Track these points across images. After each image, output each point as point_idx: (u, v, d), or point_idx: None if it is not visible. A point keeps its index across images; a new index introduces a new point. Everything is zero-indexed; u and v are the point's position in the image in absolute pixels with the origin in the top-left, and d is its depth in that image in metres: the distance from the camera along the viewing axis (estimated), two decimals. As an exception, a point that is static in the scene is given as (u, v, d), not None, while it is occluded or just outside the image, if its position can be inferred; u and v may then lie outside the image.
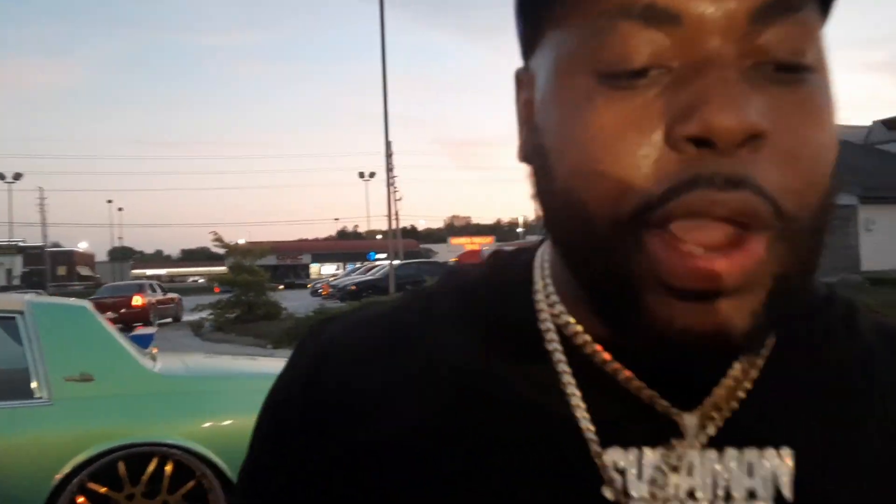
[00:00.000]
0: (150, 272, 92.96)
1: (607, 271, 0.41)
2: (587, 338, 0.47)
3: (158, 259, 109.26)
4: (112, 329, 3.60)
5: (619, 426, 0.46)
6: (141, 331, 6.77)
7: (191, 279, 79.68)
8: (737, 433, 0.45)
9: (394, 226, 23.92)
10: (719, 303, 0.39)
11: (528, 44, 0.47)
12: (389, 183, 22.21)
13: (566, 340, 0.48)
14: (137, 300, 20.69)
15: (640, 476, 0.44)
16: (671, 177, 0.38)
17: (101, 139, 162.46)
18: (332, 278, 39.89)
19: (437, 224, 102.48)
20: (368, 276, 27.33)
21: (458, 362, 0.49)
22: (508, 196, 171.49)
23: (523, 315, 0.50)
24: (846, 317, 0.51)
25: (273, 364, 4.67)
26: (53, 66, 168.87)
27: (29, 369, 3.24)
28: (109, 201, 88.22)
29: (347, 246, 73.78)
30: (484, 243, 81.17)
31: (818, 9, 0.42)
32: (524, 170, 0.48)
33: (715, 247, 0.38)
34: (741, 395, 0.46)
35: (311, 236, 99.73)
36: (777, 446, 0.45)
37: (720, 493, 0.44)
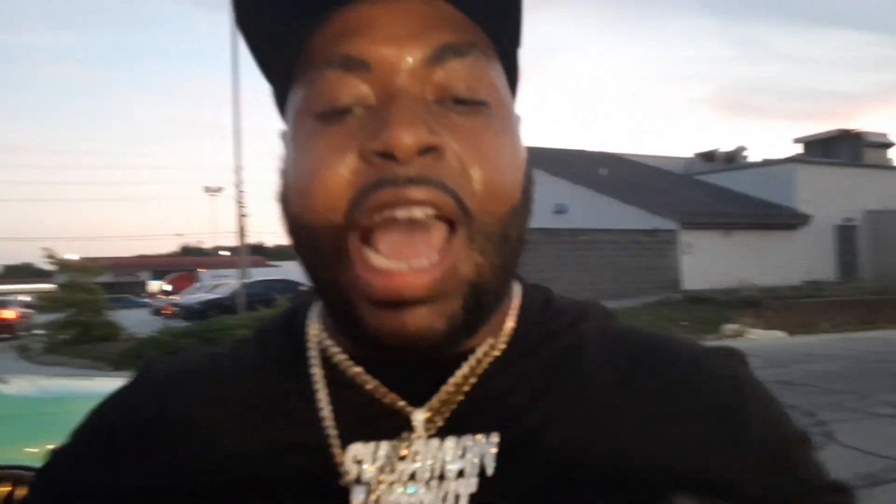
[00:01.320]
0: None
1: (330, 287, 0.52)
2: (341, 356, 0.56)
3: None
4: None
5: (362, 425, 0.54)
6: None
7: (14, 297, 72.36)
8: (460, 423, 0.53)
9: (242, 242, 23.28)
10: (417, 310, 0.48)
11: (281, 106, 0.58)
12: (238, 198, 21.67)
13: (327, 361, 0.57)
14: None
15: (373, 464, 0.53)
16: (364, 183, 0.49)
17: None
18: (162, 295, 38.00)
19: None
20: (215, 295, 26.37)
21: (248, 397, 0.57)
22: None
23: (297, 347, 0.59)
24: (573, 322, 0.59)
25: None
26: None
27: None
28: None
29: (190, 262, 70.41)
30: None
31: (493, 57, 0.54)
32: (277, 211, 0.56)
33: (411, 255, 0.48)
34: (467, 389, 0.54)
35: (151, 252, 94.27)
36: (488, 432, 0.53)
37: (436, 474, 0.52)
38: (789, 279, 24.11)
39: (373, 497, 0.51)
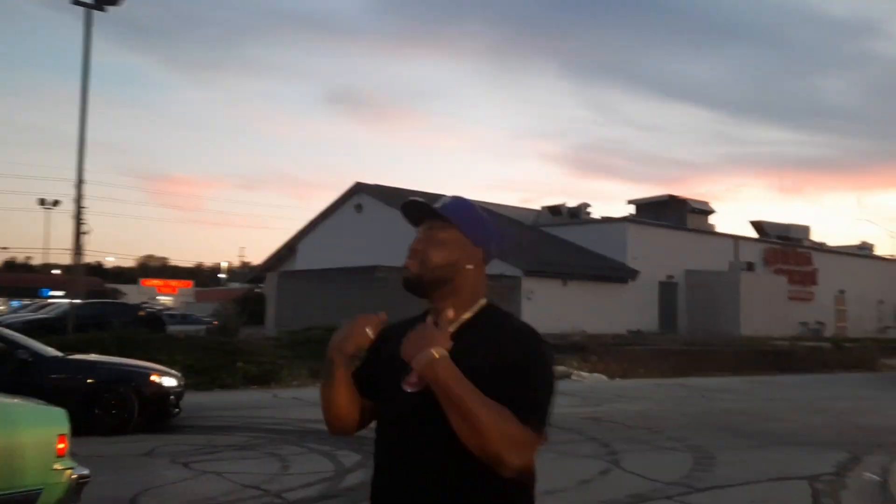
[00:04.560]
0: None
1: None
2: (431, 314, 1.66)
3: None
4: None
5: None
6: None
7: None
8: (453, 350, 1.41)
9: (78, 261, 22.04)
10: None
11: None
12: (78, 214, 20.58)
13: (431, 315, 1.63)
14: None
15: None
16: None
17: None
18: None
19: (129, 263, 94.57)
20: (40, 315, 24.66)
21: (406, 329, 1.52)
22: (212, 240, 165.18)
23: (425, 313, 1.63)
24: (487, 310, 1.56)
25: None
26: None
27: None
28: None
29: (14, 280, 64.75)
30: (181, 286, 76.72)
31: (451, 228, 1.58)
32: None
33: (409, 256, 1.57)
34: (452, 330, 1.48)
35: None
36: (451, 352, 1.39)
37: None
38: (616, 328, 26.13)
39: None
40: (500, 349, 1.42)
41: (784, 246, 36.36)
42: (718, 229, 36.00)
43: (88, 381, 8.74)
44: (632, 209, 36.14)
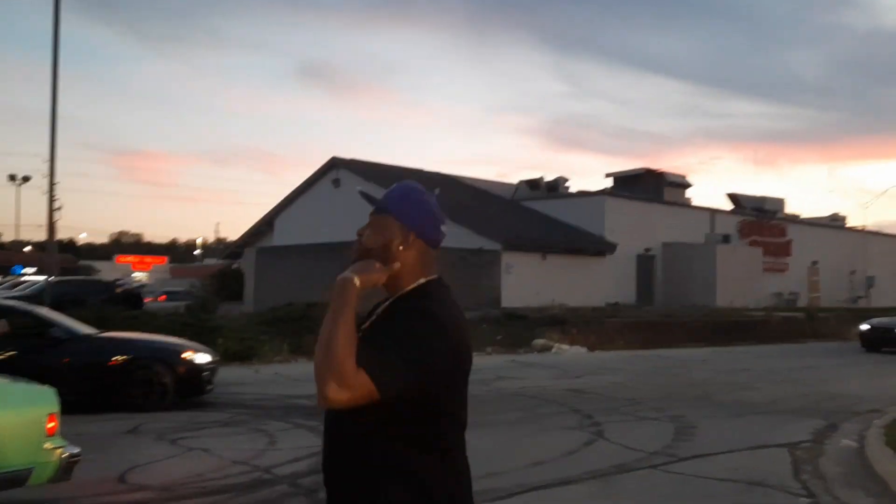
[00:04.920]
0: None
1: None
2: None
3: None
4: None
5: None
6: None
7: None
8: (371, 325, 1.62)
9: (51, 237, 21.67)
10: None
11: None
12: (51, 190, 20.19)
13: None
14: None
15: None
16: None
17: None
18: None
19: (102, 239, 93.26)
20: (15, 293, 24.29)
21: None
22: (186, 216, 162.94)
23: None
24: (421, 289, 1.64)
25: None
26: None
27: None
28: None
29: (-12, 257, 63.67)
30: (155, 263, 75.90)
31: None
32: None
33: None
34: (379, 311, 1.64)
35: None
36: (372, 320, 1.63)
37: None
38: (595, 301, 26.36)
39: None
40: (390, 317, 1.60)
41: (759, 218, 36.83)
42: (695, 202, 36.35)
43: (122, 358, 8.75)
44: (609, 182, 36.32)
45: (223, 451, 6.57)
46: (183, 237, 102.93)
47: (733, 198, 39.31)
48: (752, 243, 34.95)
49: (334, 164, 30.64)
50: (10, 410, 3.89)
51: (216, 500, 5.18)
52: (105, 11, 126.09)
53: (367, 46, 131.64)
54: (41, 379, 4.47)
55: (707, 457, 6.53)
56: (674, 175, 36.40)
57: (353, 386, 1.42)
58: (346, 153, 42.07)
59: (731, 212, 37.01)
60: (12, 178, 55.18)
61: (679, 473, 5.95)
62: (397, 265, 1.63)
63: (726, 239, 33.32)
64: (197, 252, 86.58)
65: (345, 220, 28.06)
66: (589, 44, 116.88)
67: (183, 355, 9.05)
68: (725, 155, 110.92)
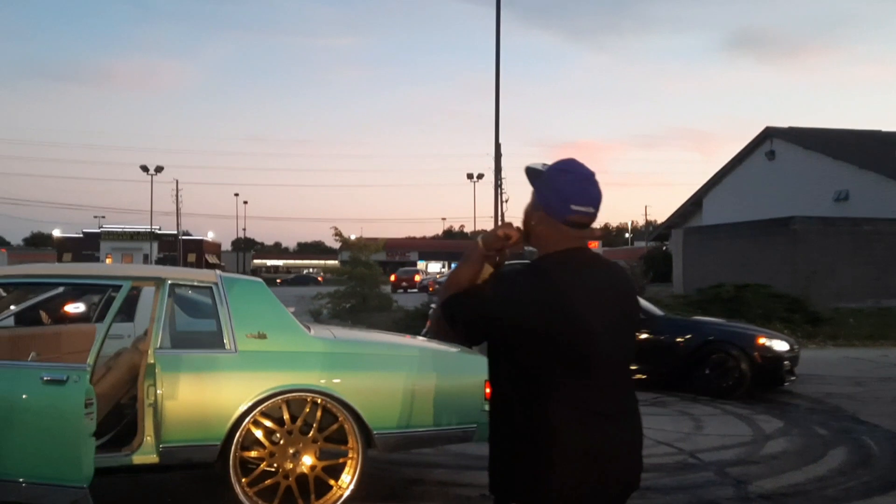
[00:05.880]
0: (269, 263, 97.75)
1: None
2: None
3: (277, 251, 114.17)
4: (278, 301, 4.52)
5: None
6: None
7: (305, 271, 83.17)
8: None
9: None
10: None
11: None
12: (497, 185, 22.82)
13: None
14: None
15: None
16: None
17: (222, 135, 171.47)
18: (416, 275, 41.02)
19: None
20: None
21: None
22: (617, 200, 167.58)
23: None
24: (545, 259, 1.85)
25: (397, 339, 5.54)
26: (176, 67, 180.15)
27: (221, 327, 4.21)
28: (236, 194, 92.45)
29: (452, 245, 74.98)
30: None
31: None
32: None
33: None
34: None
35: (419, 235, 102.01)
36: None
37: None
38: None
39: None
40: None
41: None
42: None
43: (698, 340, 8.61)
44: None
45: (646, 431, 6.65)
46: (614, 221, 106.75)
47: None
48: None
49: (768, 135, 28.34)
50: (461, 376, 4.55)
51: (644, 477, 5.27)
52: (542, 16, 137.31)
53: (804, 5, 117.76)
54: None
55: None
56: None
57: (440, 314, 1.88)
58: (784, 121, 38.52)
59: None
60: (469, 176, 63.61)
61: None
62: (514, 235, 1.85)
63: None
64: (628, 235, 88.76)
65: (780, 195, 25.96)
66: None
67: (758, 340, 8.53)
68: None
